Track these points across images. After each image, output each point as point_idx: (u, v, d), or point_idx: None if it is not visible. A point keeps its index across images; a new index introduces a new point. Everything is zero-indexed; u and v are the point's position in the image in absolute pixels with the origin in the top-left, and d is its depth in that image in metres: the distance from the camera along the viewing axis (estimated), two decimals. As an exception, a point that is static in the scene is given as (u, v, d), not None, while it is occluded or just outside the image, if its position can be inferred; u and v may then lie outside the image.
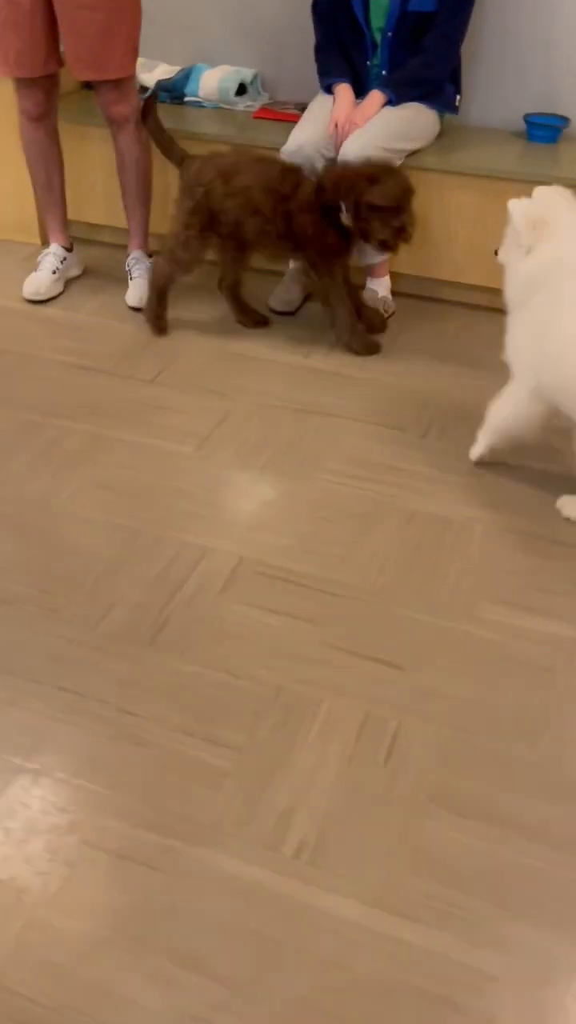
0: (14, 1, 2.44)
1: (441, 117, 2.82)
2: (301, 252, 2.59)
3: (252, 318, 2.79)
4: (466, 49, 2.77)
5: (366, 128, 2.60)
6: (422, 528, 2.01)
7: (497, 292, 2.10)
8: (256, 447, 2.27)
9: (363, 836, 1.40)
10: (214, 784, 1.47)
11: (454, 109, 2.81)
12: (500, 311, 2.07)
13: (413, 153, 2.74)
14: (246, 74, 3.12)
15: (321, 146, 2.65)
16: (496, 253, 2.06)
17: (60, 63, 2.57)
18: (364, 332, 2.64)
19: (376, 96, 2.65)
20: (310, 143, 2.63)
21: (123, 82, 2.58)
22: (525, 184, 2.17)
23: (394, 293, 2.88)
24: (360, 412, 2.41)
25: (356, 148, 2.55)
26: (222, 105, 3.11)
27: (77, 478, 2.14)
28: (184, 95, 3.13)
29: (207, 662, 1.68)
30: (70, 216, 3.08)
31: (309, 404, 2.44)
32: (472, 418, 2.19)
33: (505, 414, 2.08)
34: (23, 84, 2.62)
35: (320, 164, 2.66)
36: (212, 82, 3.09)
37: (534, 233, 1.90)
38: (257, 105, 3.11)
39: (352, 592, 1.84)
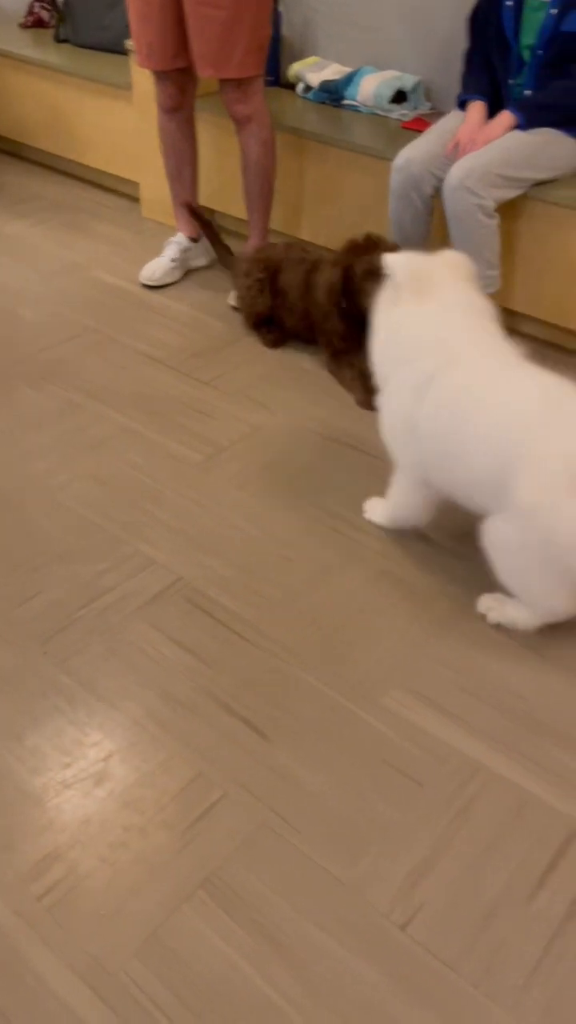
0: None
1: (591, 149, 2.53)
2: (316, 334, 2.59)
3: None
4: None
5: (483, 151, 2.39)
6: (384, 590, 1.84)
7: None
8: (263, 468, 2.18)
9: (112, 901, 1.32)
10: (4, 799, 1.45)
11: (600, 142, 2.50)
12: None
13: (543, 183, 2.48)
14: (407, 81, 2.98)
15: (433, 165, 2.47)
16: None
17: (191, 59, 2.59)
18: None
19: (505, 117, 2.42)
20: (420, 160, 2.47)
21: (245, 82, 2.55)
22: None
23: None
24: (392, 453, 2.24)
25: (462, 172, 2.35)
26: (378, 112, 2.99)
27: (80, 466, 2.17)
28: (343, 98, 3.05)
29: (79, 676, 1.65)
30: (219, 209, 3.10)
31: (347, 434, 2.31)
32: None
33: (395, 503, 1.92)
34: (157, 76, 2.67)
35: (429, 185, 2.49)
36: (370, 87, 2.98)
37: (413, 290, 1.69)
38: (412, 115, 2.96)
39: (265, 643, 1.72)
